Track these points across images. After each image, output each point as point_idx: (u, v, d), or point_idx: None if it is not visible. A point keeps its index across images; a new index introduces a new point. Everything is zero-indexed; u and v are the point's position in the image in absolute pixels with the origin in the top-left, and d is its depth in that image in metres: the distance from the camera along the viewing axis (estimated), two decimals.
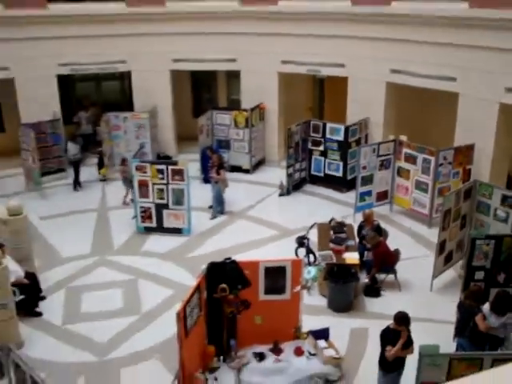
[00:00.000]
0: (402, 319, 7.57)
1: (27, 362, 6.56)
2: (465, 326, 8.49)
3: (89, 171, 16.94)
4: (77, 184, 16.12)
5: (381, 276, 11.10)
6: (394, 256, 11.06)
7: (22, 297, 9.82)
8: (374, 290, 10.91)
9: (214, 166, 14.25)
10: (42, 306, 10.70)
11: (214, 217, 14.26)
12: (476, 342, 8.17)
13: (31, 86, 16.79)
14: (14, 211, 11.09)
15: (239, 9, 16.71)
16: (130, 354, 9.44)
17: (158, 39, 17.18)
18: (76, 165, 16.05)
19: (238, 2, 16.80)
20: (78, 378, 8.86)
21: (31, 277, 10.74)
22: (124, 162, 14.83)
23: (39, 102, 16.77)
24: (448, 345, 8.74)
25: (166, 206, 13.18)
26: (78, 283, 11.56)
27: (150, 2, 16.79)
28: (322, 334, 9.08)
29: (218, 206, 14.39)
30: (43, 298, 10.91)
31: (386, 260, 10.94)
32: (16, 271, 10.35)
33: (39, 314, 10.51)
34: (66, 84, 18.88)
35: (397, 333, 7.56)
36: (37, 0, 16.40)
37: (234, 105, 18.87)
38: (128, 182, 14.27)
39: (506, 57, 12.30)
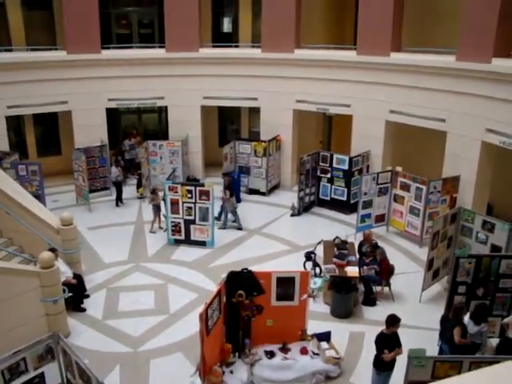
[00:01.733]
0: (392, 320, 7.59)
1: (73, 350, 6.64)
2: (446, 334, 8.47)
3: (129, 190, 17.12)
4: (119, 201, 16.28)
5: (377, 288, 11.05)
6: (392, 268, 11.05)
7: (69, 294, 9.87)
8: (370, 300, 10.84)
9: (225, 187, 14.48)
10: (86, 303, 10.78)
11: (223, 227, 14.43)
12: (453, 348, 8.13)
13: (84, 117, 17.16)
14: (66, 222, 11.30)
15: (260, 55, 16.91)
16: (159, 348, 9.46)
17: (191, 79, 17.45)
18: (118, 185, 16.24)
19: (259, 50, 17.05)
20: (115, 366, 8.90)
21: (78, 278, 10.86)
22: (154, 191, 14.52)
23: (90, 131, 17.12)
24: (433, 348, 8.71)
25: (193, 222, 13.24)
26: (117, 285, 11.61)
27: (185, 49, 17.05)
28: (325, 336, 9.06)
29: (226, 219, 14.53)
30: (87, 297, 10.99)
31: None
32: (66, 273, 10.53)
33: (83, 310, 10.59)
34: (113, 116, 19.15)
35: (389, 337, 7.58)
36: (93, 47, 16.78)
37: (254, 136, 18.98)
38: (156, 209, 14.29)
39: (487, 102, 12.34)
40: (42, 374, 6.88)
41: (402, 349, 7.53)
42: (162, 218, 14.15)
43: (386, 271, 10.92)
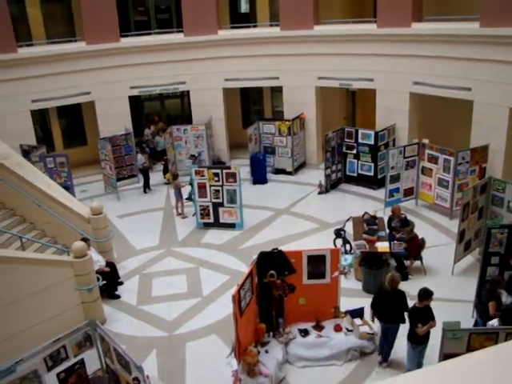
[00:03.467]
0: (424, 294, 7.56)
1: (110, 336, 6.79)
2: (481, 307, 8.37)
3: (156, 176, 17.25)
4: (146, 187, 16.44)
5: (408, 262, 10.99)
6: (421, 245, 10.97)
7: (103, 282, 10.05)
8: (402, 274, 10.73)
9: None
10: (120, 290, 10.98)
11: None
12: (488, 320, 8.04)
13: (108, 106, 17.29)
14: (96, 211, 11.48)
15: (279, 34, 16.74)
16: (194, 330, 9.58)
17: (211, 62, 17.38)
18: (145, 172, 16.40)
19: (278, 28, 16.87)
20: (151, 350, 9.07)
21: (111, 266, 11.05)
22: (176, 177, 14.66)
23: (114, 119, 17.27)
24: (467, 320, 8.64)
25: (221, 205, 13.30)
26: (149, 271, 11.77)
27: (204, 32, 16.98)
28: (358, 312, 9.05)
29: None
30: (121, 284, 11.18)
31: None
32: (98, 261, 10.72)
33: (118, 297, 10.79)
34: (136, 103, 19.28)
35: (422, 310, 7.55)
36: (112, 36, 16.82)
37: (277, 116, 18.87)
38: (179, 193, 14.36)
39: None
40: (82, 360, 7.06)
41: (435, 322, 7.50)
42: (185, 203, 14.37)
43: (414, 250, 10.85)
